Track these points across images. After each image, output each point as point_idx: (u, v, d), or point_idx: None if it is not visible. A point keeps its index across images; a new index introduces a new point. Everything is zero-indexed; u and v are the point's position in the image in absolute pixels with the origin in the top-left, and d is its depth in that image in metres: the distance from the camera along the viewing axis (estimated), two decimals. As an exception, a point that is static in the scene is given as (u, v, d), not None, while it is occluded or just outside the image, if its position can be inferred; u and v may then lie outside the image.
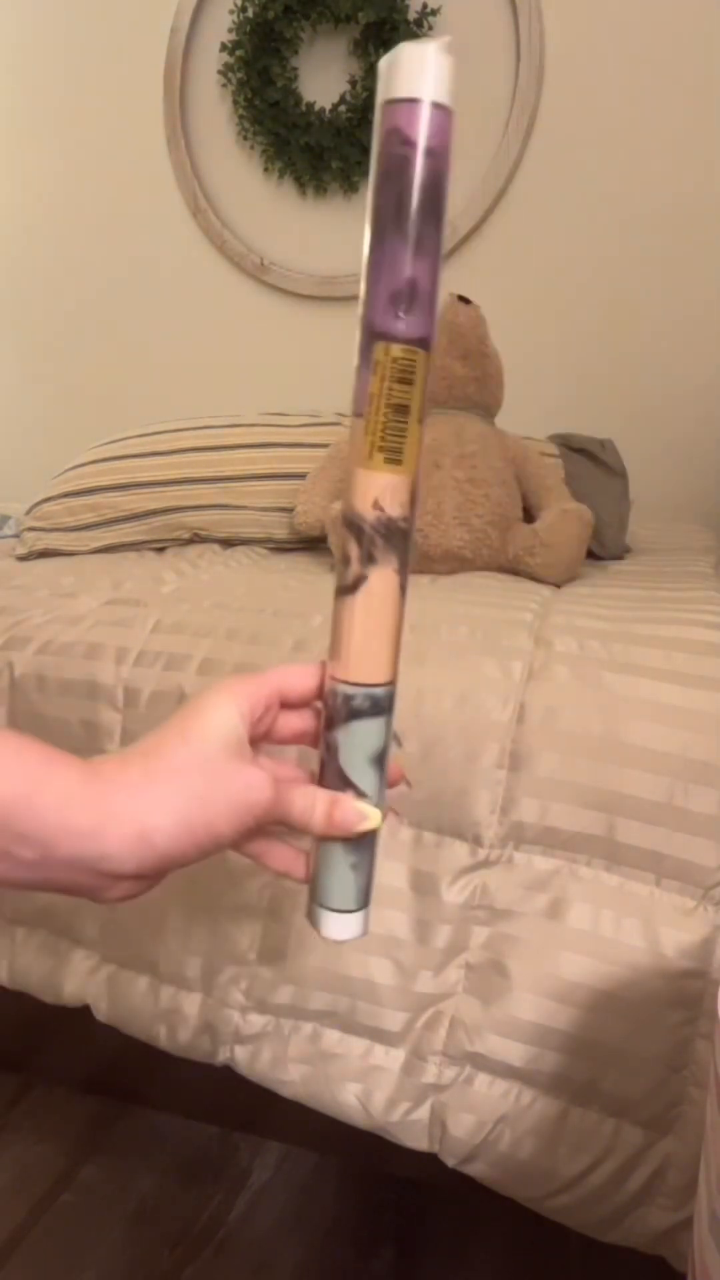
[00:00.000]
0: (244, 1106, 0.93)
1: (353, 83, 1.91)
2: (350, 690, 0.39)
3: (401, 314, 0.34)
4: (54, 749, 0.36)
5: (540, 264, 1.93)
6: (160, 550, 1.39)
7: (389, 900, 0.77)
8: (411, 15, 1.84)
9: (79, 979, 0.89)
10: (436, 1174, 0.78)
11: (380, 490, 0.36)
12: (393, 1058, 0.77)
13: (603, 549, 1.35)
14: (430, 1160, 0.76)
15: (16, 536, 1.47)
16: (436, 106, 0.32)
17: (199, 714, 0.39)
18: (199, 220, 2.12)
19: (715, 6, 1.73)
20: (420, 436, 0.36)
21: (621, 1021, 0.71)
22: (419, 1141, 0.76)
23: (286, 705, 0.42)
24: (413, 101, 0.31)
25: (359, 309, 0.36)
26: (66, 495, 1.38)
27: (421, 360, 0.35)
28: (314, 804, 0.40)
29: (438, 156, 0.32)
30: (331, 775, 0.40)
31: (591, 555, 1.33)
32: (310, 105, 1.94)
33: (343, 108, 1.92)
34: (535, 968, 0.73)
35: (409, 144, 0.32)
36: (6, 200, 2.28)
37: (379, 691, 0.39)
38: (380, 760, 0.41)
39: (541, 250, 1.92)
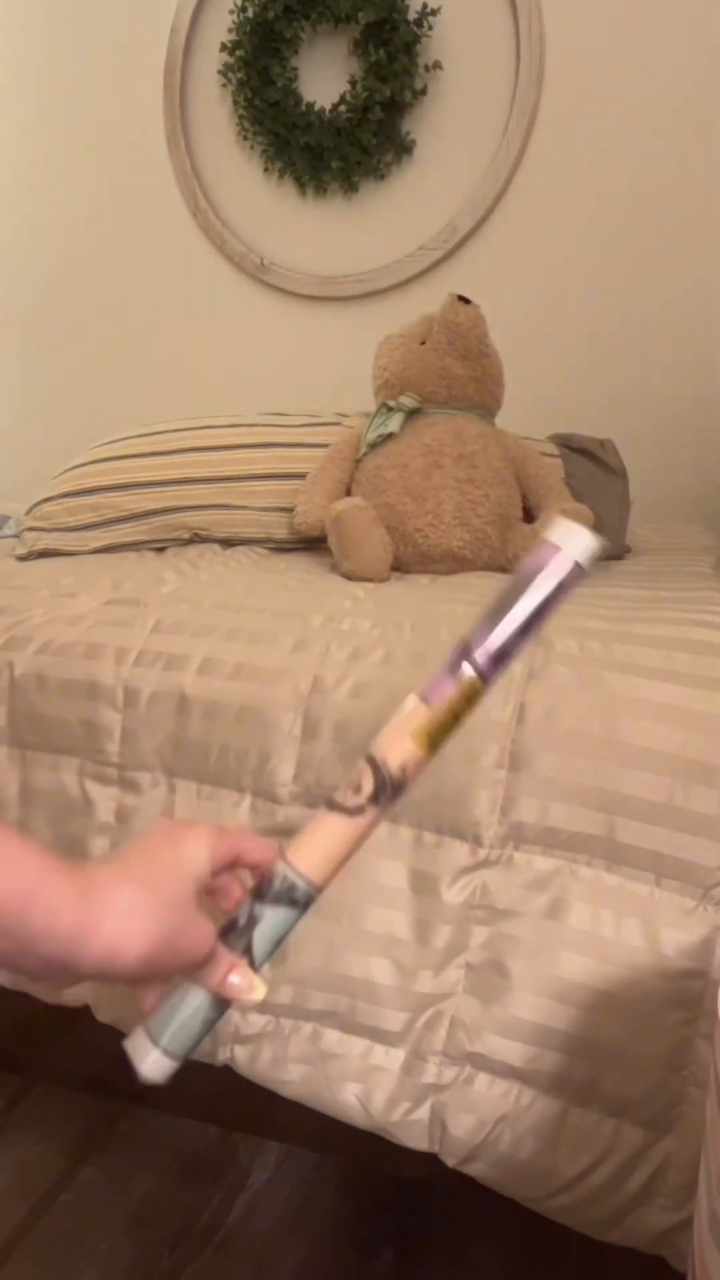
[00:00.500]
0: (244, 1106, 0.93)
1: (353, 83, 1.91)
2: (300, 884, 0.46)
3: (493, 664, 0.47)
4: (48, 855, 0.39)
5: (540, 264, 1.93)
6: (160, 550, 1.39)
7: (389, 900, 0.77)
8: (411, 15, 1.84)
9: (79, 979, 0.89)
10: (436, 1174, 0.78)
11: (412, 762, 0.47)
12: (393, 1058, 0.77)
13: (603, 549, 1.35)
14: (430, 1160, 0.76)
15: (16, 536, 1.47)
16: (578, 564, 0.47)
17: (182, 846, 0.43)
18: (199, 220, 2.12)
19: (715, 6, 1.73)
20: (454, 737, 0.48)
21: (621, 1021, 0.71)
22: (419, 1141, 0.76)
23: (229, 867, 0.46)
24: (577, 565, 0.47)
25: (472, 630, 0.48)
26: (66, 495, 1.38)
27: (484, 693, 0.48)
28: (216, 961, 0.44)
29: (562, 590, 0.47)
30: (237, 938, 0.45)
31: (591, 555, 1.33)
32: (310, 105, 1.94)
33: (343, 108, 1.92)
34: (535, 968, 0.73)
35: (562, 586, 0.47)
36: (6, 200, 2.28)
37: (314, 893, 0.46)
38: (279, 943, 0.47)
39: (541, 250, 1.92)
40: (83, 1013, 0.89)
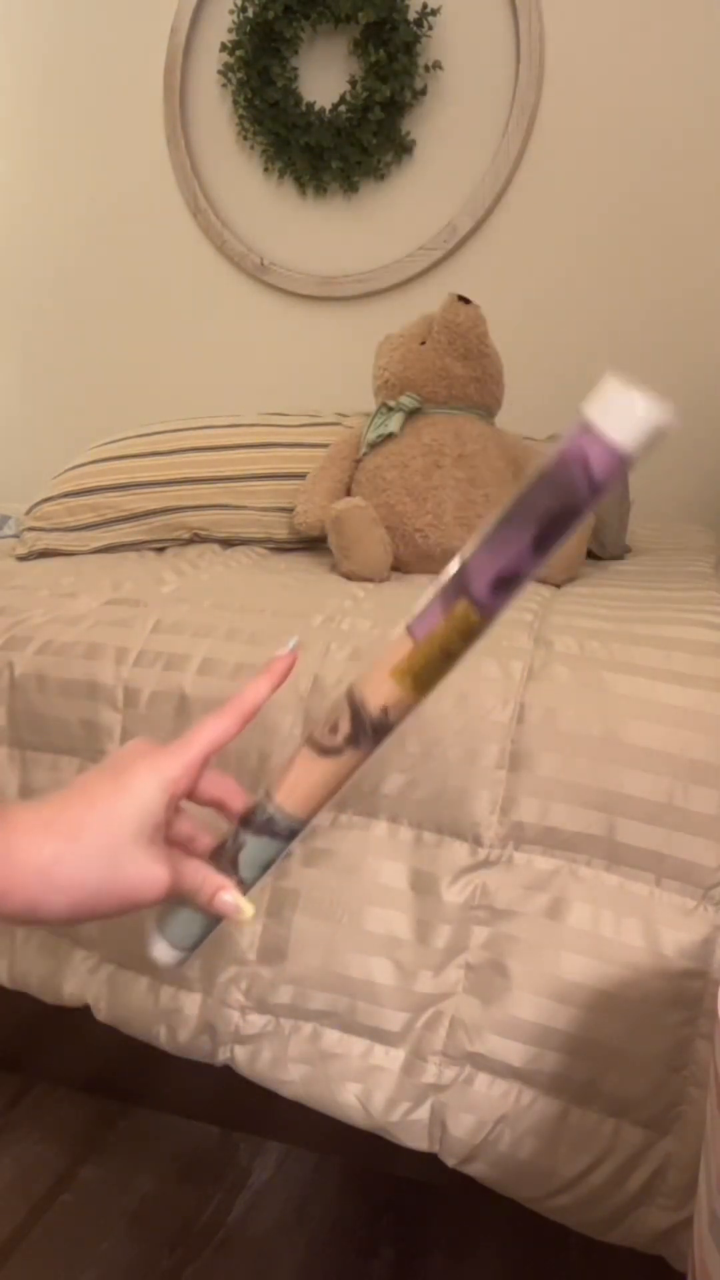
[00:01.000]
0: (244, 1106, 0.93)
1: (353, 83, 1.90)
2: (278, 815, 0.45)
3: (495, 592, 0.37)
4: None
5: (540, 264, 1.93)
6: (160, 550, 1.39)
7: (389, 900, 0.77)
8: (411, 15, 1.84)
9: (79, 979, 0.89)
10: (436, 1174, 0.78)
11: (394, 701, 0.41)
12: (393, 1058, 0.77)
13: (603, 549, 1.35)
14: (430, 1160, 0.76)
15: (16, 536, 1.47)
16: (628, 458, 0.34)
17: (125, 790, 0.42)
18: (199, 220, 2.12)
19: (715, 6, 1.72)
20: (448, 676, 0.41)
21: (621, 1021, 0.71)
22: (419, 1141, 0.76)
23: (191, 797, 0.47)
24: (611, 445, 0.33)
25: (463, 553, 0.38)
26: (66, 495, 1.38)
27: (486, 628, 0.39)
28: (203, 884, 0.45)
29: (601, 494, 0.35)
30: (226, 860, 0.46)
31: (591, 555, 1.33)
32: (310, 105, 1.94)
33: (343, 108, 1.92)
34: (535, 968, 0.73)
35: (588, 477, 0.34)
36: (6, 200, 2.28)
37: (297, 826, 0.46)
38: (267, 868, 0.47)
39: (541, 250, 1.92)
40: (83, 1013, 0.89)
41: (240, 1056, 0.82)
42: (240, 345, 2.18)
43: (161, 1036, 0.85)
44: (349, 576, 1.18)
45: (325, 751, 0.44)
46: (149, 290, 2.22)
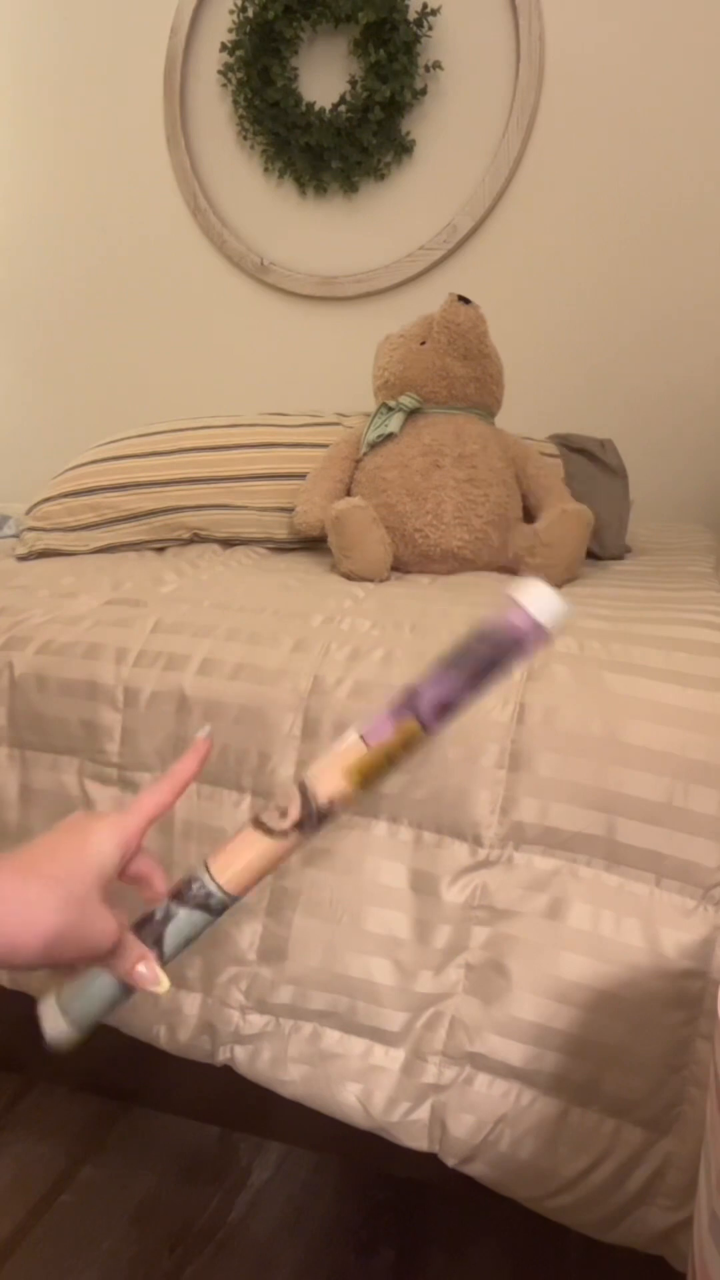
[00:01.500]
0: (244, 1106, 0.93)
1: (353, 83, 1.90)
2: (214, 890, 0.48)
3: (438, 717, 0.47)
4: None
5: (540, 264, 1.93)
6: (160, 550, 1.39)
7: (389, 900, 0.77)
8: (411, 15, 1.84)
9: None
10: (436, 1174, 0.78)
11: (340, 796, 0.48)
12: (393, 1058, 0.77)
13: (603, 549, 1.35)
14: (430, 1160, 0.76)
15: (16, 536, 1.47)
16: (545, 633, 0.47)
17: (91, 840, 0.44)
18: (199, 220, 2.12)
19: (715, 7, 1.72)
20: (386, 778, 0.51)
21: (621, 1021, 0.71)
22: (419, 1141, 0.76)
23: (152, 824, 0.48)
24: (538, 625, 0.46)
25: (422, 676, 0.48)
26: (66, 495, 1.38)
27: (425, 742, 0.48)
28: (126, 952, 0.46)
29: (527, 656, 0.47)
30: (150, 932, 0.48)
31: (591, 555, 1.33)
32: (310, 105, 1.94)
33: (343, 108, 1.92)
34: (535, 968, 0.73)
35: (520, 646, 0.46)
36: (6, 200, 2.28)
37: (229, 902, 0.48)
38: (189, 944, 0.49)
39: (541, 250, 1.92)
40: (83, 1013, 0.89)
41: (240, 1056, 0.82)
42: (240, 345, 2.18)
43: (161, 1036, 0.85)
44: (349, 576, 1.18)
45: (271, 833, 0.48)
46: (149, 290, 2.22)
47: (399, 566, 1.24)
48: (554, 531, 1.16)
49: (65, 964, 0.44)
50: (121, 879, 0.48)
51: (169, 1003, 0.84)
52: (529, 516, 1.29)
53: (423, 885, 0.77)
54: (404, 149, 1.94)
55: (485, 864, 0.76)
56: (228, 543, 1.40)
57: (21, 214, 2.28)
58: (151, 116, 2.10)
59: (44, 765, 0.91)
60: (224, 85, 2.02)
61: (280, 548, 1.40)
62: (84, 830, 0.45)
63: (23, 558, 1.36)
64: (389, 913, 0.77)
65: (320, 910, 0.78)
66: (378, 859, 0.78)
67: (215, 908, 0.48)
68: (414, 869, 0.78)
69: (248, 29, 1.91)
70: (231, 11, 1.94)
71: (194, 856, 0.83)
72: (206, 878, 0.48)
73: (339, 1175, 0.95)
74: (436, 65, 1.87)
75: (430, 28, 1.86)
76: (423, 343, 1.29)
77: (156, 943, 0.47)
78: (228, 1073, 0.83)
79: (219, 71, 2.00)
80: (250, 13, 1.91)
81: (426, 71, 1.88)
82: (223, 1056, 0.82)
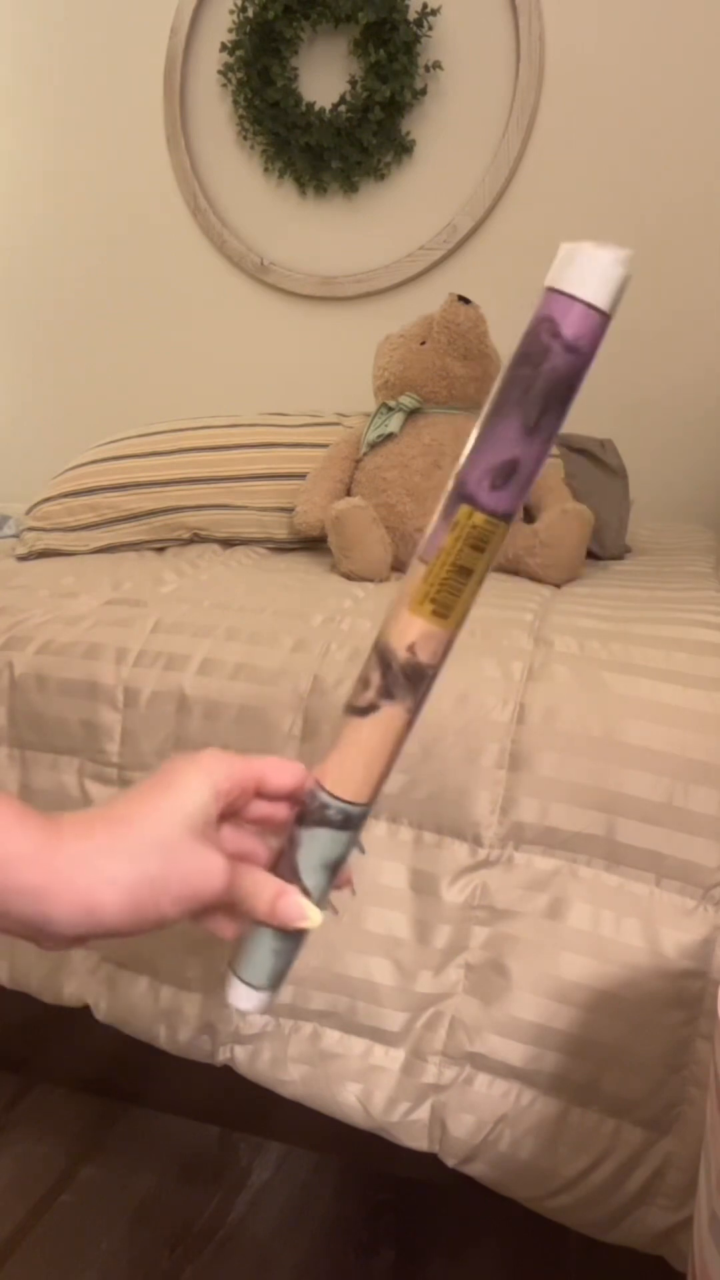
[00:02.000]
0: (244, 1106, 0.93)
1: (353, 83, 1.90)
2: (330, 800, 0.40)
3: (495, 487, 0.34)
4: (17, 805, 0.36)
5: (540, 264, 1.91)
6: (160, 550, 1.39)
7: (389, 900, 0.77)
8: (411, 15, 1.84)
9: (79, 979, 0.89)
10: (436, 1174, 0.78)
11: (419, 636, 0.37)
12: (393, 1058, 0.77)
13: (603, 549, 1.35)
14: (430, 1160, 0.76)
15: (16, 536, 1.47)
16: (596, 311, 0.32)
17: (171, 787, 0.39)
18: (199, 220, 2.12)
19: (715, 6, 1.72)
20: (474, 598, 0.37)
21: (621, 1021, 0.71)
22: (419, 1141, 0.76)
23: (261, 795, 0.43)
24: (573, 299, 0.32)
25: (459, 464, 0.35)
26: (66, 495, 1.38)
27: (500, 533, 0.36)
28: (261, 890, 0.41)
29: (581, 355, 0.33)
30: (285, 866, 0.42)
31: (591, 555, 1.33)
32: (310, 105, 1.94)
33: (343, 108, 1.92)
34: (535, 968, 0.73)
35: (557, 336, 0.32)
36: (6, 200, 2.28)
37: (355, 810, 0.41)
38: (334, 868, 0.42)
39: (541, 250, 1.92)
40: (83, 1013, 0.89)
41: (240, 1056, 0.82)
42: (240, 345, 2.18)
43: (161, 1036, 0.85)
44: (349, 576, 1.18)
45: (361, 711, 0.39)
46: (149, 290, 2.22)
47: (399, 566, 1.24)
48: (554, 531, 1.16)
49: (173, 921, 0.38)
50: (245, 819, 0.43)
51: (169, 1003, 0.84)
52: (529, 516, 1.29)
53: (423, 885, 0.77)
54: (404, 149, 1.94)
55: (485, 864, 0.76)
56: (228, 543, 1.40)
57: (21, 214, 2.28)
58: (151, 116, 2.10)
59: (44, 765, 0.91)
60: (224, 85, 2.02)
61: (280, 548, 1.40)
62: (169, 775, 0.40)
63: (23, 558, 1.36)
64: (389, 913, 0.77)
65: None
66: (378, 859, 0.78)
67: (336, 820, 0.40)
68: (414, 869, 0.78)
69: (248, 29, 1.91)
70: (231, 11, 1.94)
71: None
72: (318, 790, 0.41)
73: (339, 1175, 0.95)
74: (436, 65, 1.87)
75: (430, 28, 1.86)
76: (423, 343, 1.29)
77: (294, 875, 0.41)
78: (228, 1073, 0.83)
79: (219, 71, 2.00)
80: (250, 13, 1.91)
81: (426, 71, 1.88)
82: (223, 1056, 0.82)
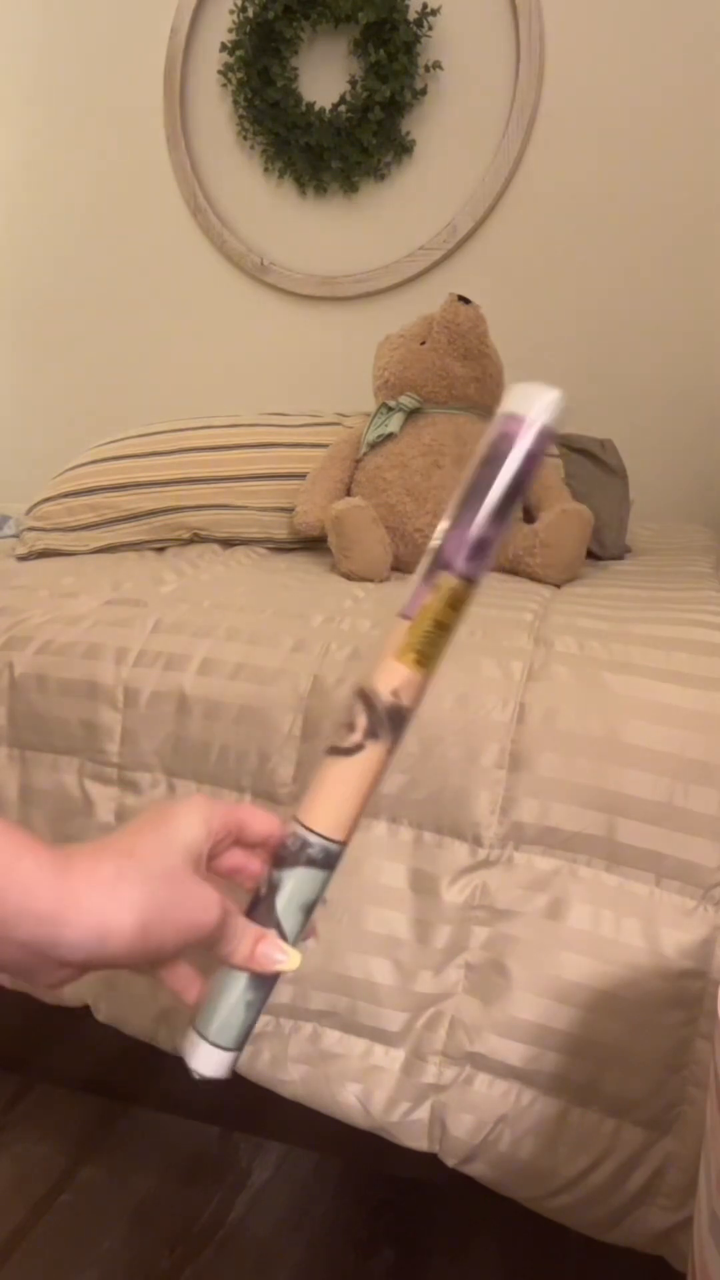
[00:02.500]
0: (244, 1106, 0.93)
1: (353, 83, 1.90)
2: (312, 839, 0.42)
3: (469, 559, 0.42)
4: (26, 834, 0.37)
5: (540, 264, 1.93)
6: (160, 550, 1.39)
7: (389, 900, 0.77)
8: (411, 15, 1.84)
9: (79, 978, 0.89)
10: (436, 1174, 0.78)
11: (402, 683, 0.43)
12: (393, 1058, 0.77)
13: (603, 549, 1.35)
14: (430, 1160, 0.76)
15: (16, 536, 1.47)
16: (541, 430, 0.42)
17: (169, 822, 0.41)
18: (199, 220, 2.12)
19: (715, 6, 1.72)
20: (447, 648, 0.44)
21: (621, 1022, 0.71)
22: (419, 1141, 0.76)
23: (238, 843, 0.44)
24: (523, 421, 0.42)
25: (437, 536, 0.43)
26: (66, 495, 1.38)
27: (472, 593, 0.43)
28: (242, 935, 0.41)
29: (532, 460, 0.42)
30: (262, 911, 0.43)
31: (591, 555, 1.33)
32: (310, 105, 1.94)
33: (343, 108, 1.92)
34: (535, 968, 0.73)
35: (513, 448, 0.42)
36: (6, 200, 2.28)
37: (334, 848, 0.43)
38: (309, 909, 0.43)
39: (541, 250, 1.92)
40: (83, 1013, 0.89)
41: (240, 1056, 0.81)
42: (240, 345, 2.18)
43: (161, 1036, 0.85)
44: (349, 576, 1.18)
45: (346, 752, 0.43)
46: (149, 290, 2.22)
47: (399, 566, 1.24)
48: (554, 531, 1.16)
49: (170, 953, 0.39)
50: (214, 869, 0.44)
51: (169, 1002, 0.84)
52: (529, 516, 1.29)
53: (423, 885, 0.77)
54: (404, 149, 1.94)
55: (485, 864, 0.76)
56: (228, 543, 1.40)
57: (21, 214, 2.28)
58: (151, 116, 2.10)
59: (44, 765, 0.91)
60: (224, 85, 2.02)
61: (280, 548, 1.40)
62: (165, 813, 0.41)
63: (23, 558, 1.36)
64: (389, 913, 0.77)
65: (320, 910, 0.78)
66: (378, 859, 0.78)
67: (319, 858, 0.42)
68: (414, 869, 0.78)
69: (248, 29, 1.91)
70: (231, 11, 1.94)
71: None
72: (300, 829, 0.43)
73: (339, 1175, 0.95)
74: (436, 65, 1.87)
75: (430, 28, 1.86)
76: (423, 343, 1.29)
77: (273, 920, 0.42)
78: (228, 1073, 0.83)
79: (219, 71, 2.00)
80: (250, 13, 1.91)
81: (426, 71, 1.88)
82: (223, 1056, 0.82)
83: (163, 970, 0.43)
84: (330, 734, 0.45)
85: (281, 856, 0.43)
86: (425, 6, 1.84)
